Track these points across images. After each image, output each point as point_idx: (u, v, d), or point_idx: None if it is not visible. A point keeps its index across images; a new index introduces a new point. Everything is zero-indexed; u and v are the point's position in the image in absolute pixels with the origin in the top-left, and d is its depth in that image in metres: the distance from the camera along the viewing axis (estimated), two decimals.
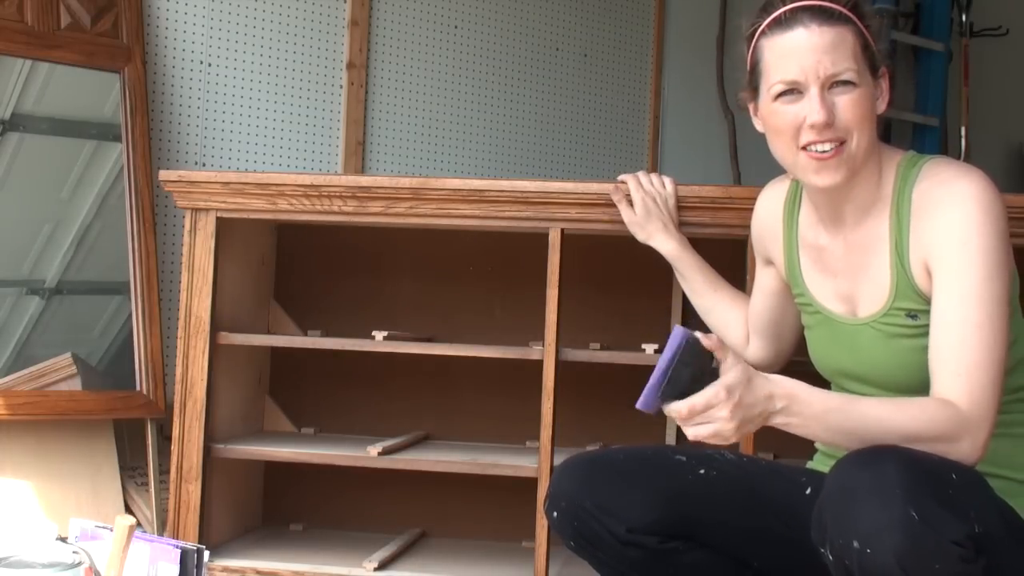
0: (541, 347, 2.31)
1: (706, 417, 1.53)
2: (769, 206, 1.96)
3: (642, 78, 4.25)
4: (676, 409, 1.53)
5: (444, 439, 2.67)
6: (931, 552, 1.44)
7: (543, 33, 4.00)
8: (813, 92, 1.67)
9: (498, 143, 3.88)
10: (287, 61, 3.46)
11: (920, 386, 1.67)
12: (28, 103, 2.88)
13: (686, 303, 2.34)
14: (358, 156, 3.56)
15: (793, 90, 1.69)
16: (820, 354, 1.87)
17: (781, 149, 1.74)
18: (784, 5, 1.70)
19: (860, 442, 1.57)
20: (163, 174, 2.40)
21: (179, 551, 1.87)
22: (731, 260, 2.25)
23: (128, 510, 2.82)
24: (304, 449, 2.44)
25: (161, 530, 2.73)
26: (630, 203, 2.21)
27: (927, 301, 1.69)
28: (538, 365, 2.30)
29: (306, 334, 2.63)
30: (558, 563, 2.38)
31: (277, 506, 2.70)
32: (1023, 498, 1.69)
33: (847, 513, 1.48)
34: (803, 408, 1.57)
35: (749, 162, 4.27)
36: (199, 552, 1.88)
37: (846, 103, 1.67)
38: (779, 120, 1.71)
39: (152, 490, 2.79)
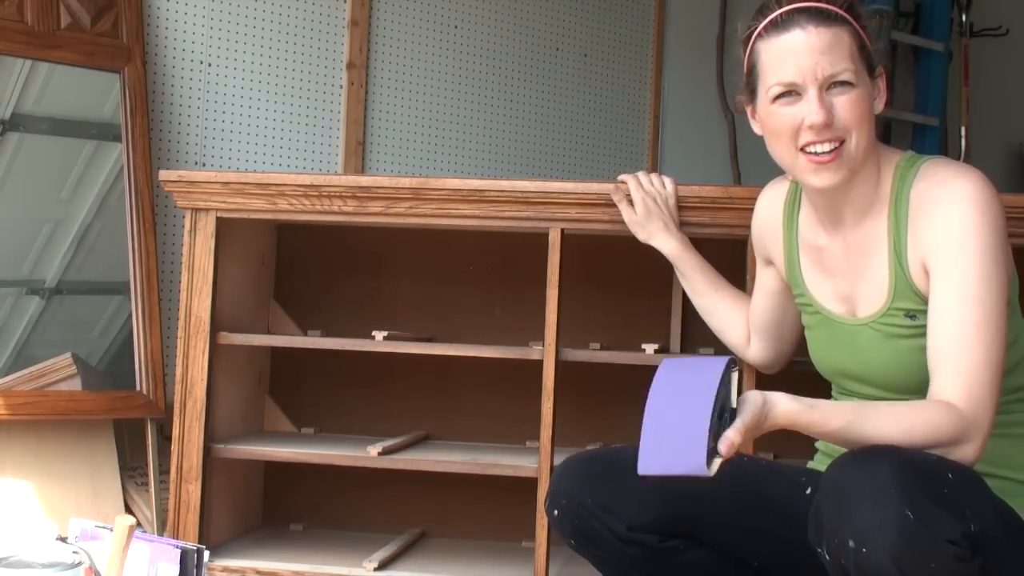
0: (541, 347, 2.31)
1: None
2: (769, 206, 1.96)
3: (642, 78, 4.25)
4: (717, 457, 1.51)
5: (444, 439, 2.67)
6: (927, 551, 1.44)
7: (543, 33, 4.00)
8: (811, 93, 1.67)
9: (498, 143, 3.88)
10: (287, 61, 3.46)
11: (919, 386, 1.67)
12: (28, 103, 2.88)
13: (686, 303, 2.35)
14: (358, 156, 3.56)
15: (791, 92, 1.69)
16: (820, 354, 1.87)
17: (780, 151, 1.75)
18: (780, 7, 1.70)
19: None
20: (163, 174, 2.40)
21: (179, 551, 1.87)
22: (731, 260, 2.25)
23: (128, 510, 2.82)
24: (304, 449, 2.44)
25: (161, 530, 2.73)
26: (630, 203, 2.21)
27: (925, 301, 1.69)
28: (538, 365, 2.30)
29: (306, 334, 2.63)
30: (558, 563, 2.38)
31: (277, 506, 2.70)
32: (1022, 498, 1.69)
33: (843, 512, 1.49)
34: (809, 430, 1.58)
35: (749, 162, 4.27)
36: (199, 552, 1.88)
37: (844, 103, 1.68)
38: (777, 122, 1.71)
39: (152, 490, 2.79)
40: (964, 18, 5.12)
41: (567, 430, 2.38)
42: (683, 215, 2.22)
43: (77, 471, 2.77)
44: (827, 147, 1.69)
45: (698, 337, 2.47)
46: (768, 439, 1.86)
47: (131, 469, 2.90)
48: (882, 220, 1.75)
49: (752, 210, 2.02)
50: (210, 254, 2.38)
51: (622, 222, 2.22)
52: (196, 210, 2.38)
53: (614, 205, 2.22)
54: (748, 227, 2.04)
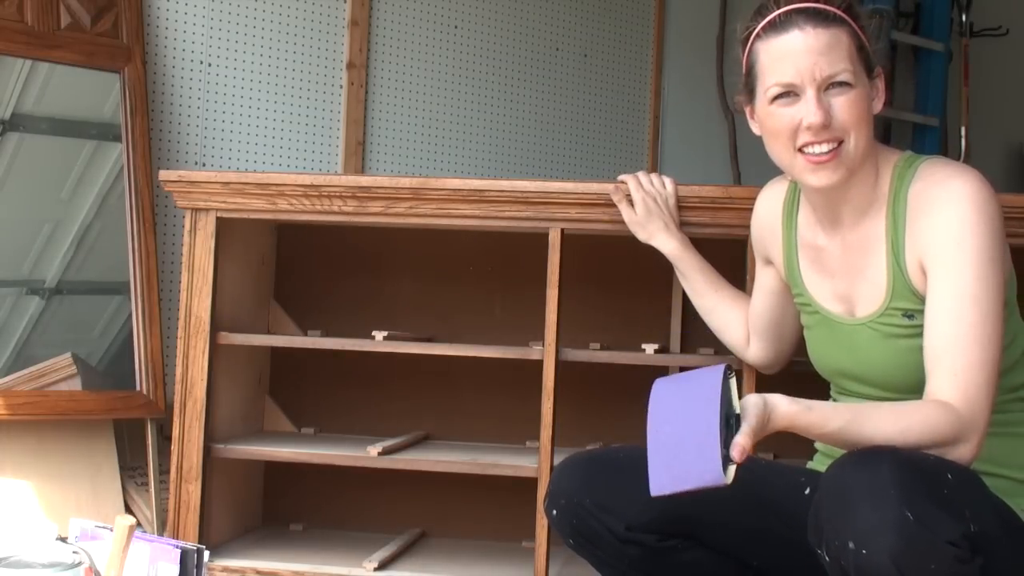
0: (541, 347, 2.31)
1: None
2: (768, 206, 1.96)
3: (642, 78, 4.25)
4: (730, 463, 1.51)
5: (444, 439, 2.67)
6: (926, 552, 1.44)
7: (543, 33, 4.00)
8: (809, 94, 1.67)
9: (498, 143, 3.88)
10: (287, 61, 3.46)
11: (918, 386, 1.67)
12: (28, 103, 2.88)
13: (686, 303, 2.35)
14: (358, 156, 3.56)
15: (789, 92, 1.69)
16: (819, 354, 1.87)
17: (778, 151, 1.75)
18: (778, 8, 1.70)
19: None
20: (163, 174, 2.40)
21: (179, 551, 1.87)
22: (731, 260, 2.25)
23: (128, 510, 2.82)
24: (304, 449, 2.44)
25: (161, 530, 2.73)
26: (630, 203, 2.21)
27: (923, 301, 1.69)
28: (538, 365, 2.30)
29: (306, 334, 2.63)
30: (558, 563, 2.38)
31: (277, 506, 2.70)
32: (1019, 497, 1.69)
33: (842, 514, 1.49)
34: (807, 432, 1.58)
35: (749, 162, 4.27)
36: (199, 552, 1.88)
37: (842, 104, 1.68)
38: (776, 122, 1.71)
39: (152, 490, 2.79)
40: (964, 18, 5.12)
41: (567, 430, 2.38)
42: (683, 215, 2.22)
43: (77, 471, 2.77)
44: (825, 147, 1.69)
45: (698, 337, 2.47)
46: (768, 439, 1.86)
47: (131, 469, 2.90)
48: (880, 220, 1.75)
49: (752, 210, 2.02)
50: (210, 254, 2.38)
51: (622, 222, 2.22)
52: (196, 210, 2.38)
53: (614, 205, 2.22)
54: (748, 227, 2.04)
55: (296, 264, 2.72)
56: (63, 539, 1.86)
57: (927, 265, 1.68)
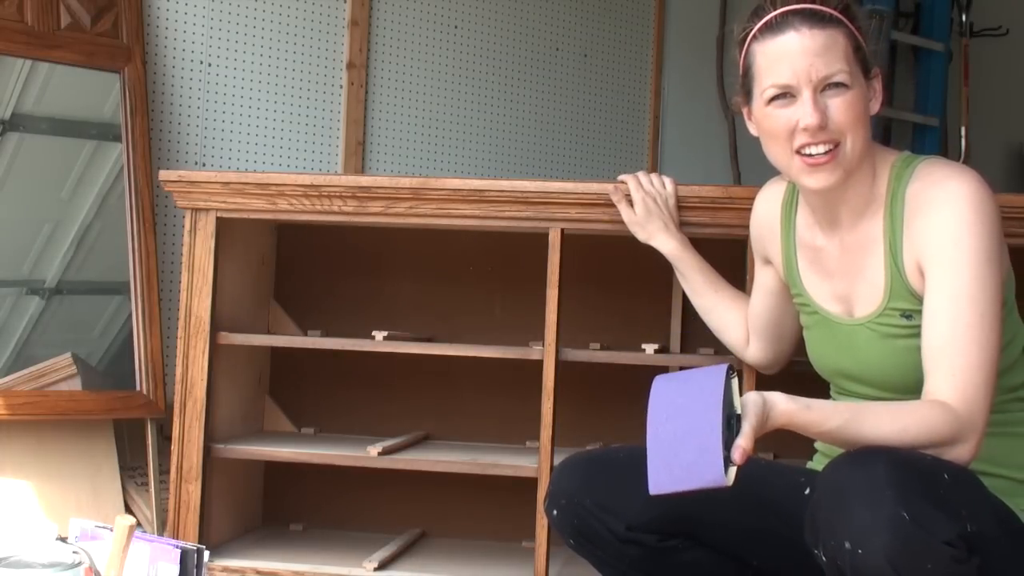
0: (541, 347, 2.31)
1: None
2: (767, 206, 1.96)
3: (642, 78, 4.25)
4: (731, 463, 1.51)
5: (444, 439, 2.67)
6: (922, 552, 1.44)
7: (543, 33, 4.00)
8: (806, 95, 1.67)
9: (498, 143, 3.88)
10: (287, 61, 3.46)
11: (916, 386, 1.67)
12: (28, 103, 2.88)
13: (686, 303, 2.35)
14: (358, 156, 3.56)
15: (786, 94, 1.69)
16: (818, 354, 1.87)
17: (776, 152, 1.75)
18: (775, 9, 1.70)
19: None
20: (163, 174, 2.40)
21: (179, 551, 1.87)
22: (731, 260, 2.25)
23: (128, 510, 2.82)
24: (304, 449, 2.44)
25: (161, 530, 2.73)
26: (630, 203, 2.21)
27: (921, 301, 1.69)
28: (538, 365, 2.30)
29: (306, 334, 2.63)
30: (558, 563, 2.38)
31: (277, 506, 2.70)
32: (1018, 496, 1.69)
33: (839, 514, 1.49)
34: (806, 430, 1.58)
35: (749, 162, 4.27)
36: (199, 552, 1.88)
37: (839, 105, 1.68)
38: (773, 124, 1.71)
39: (152, 490, 2.79)
40: (964, 18, 5.12)
41: (567, 430, 2.38)
42: (683, 215, 2.22)
43: (77, 471, 2.77)
44: (822, 148, 1.69)
45: (698, 337, 2.47)
46: (768, 439, 1.86)
47: (131, 469, 2.90)
48: (878, 221, 1.75)
49: (751, 210, 2.02)
50: (210, 254, 2.38)
51: (622, 222, 2.22)
52: (196, 210, 2.38)
53: (614, 205, 2.22)
54: (748, 227, 2.03)
55: (296, 264, 2.72)
56: (63, 539, 1.86)
57: (925, 265, 1.68)
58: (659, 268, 2.23)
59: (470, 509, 2.63)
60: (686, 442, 1.45)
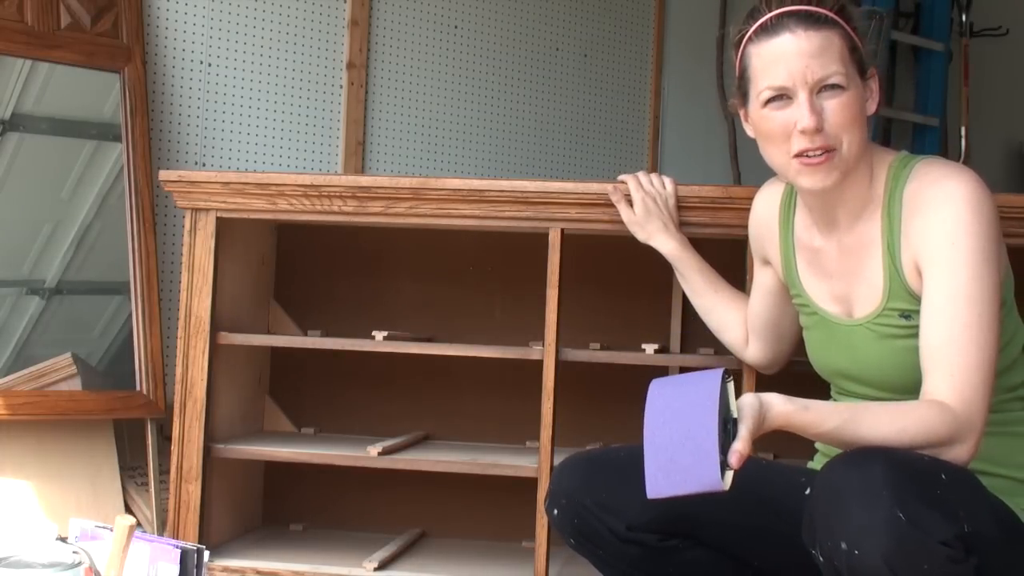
0: (541, 347, 2.31)
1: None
2: (766, 207, 1.96)
3: (642, 78, 4.25)
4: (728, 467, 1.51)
5: (444, 439, 2.67)
6: (919, 552, 1.44)
7: (543, 33, 4.00)
8: (802, 97, 1.67)
9: (498, 143, 3.88)
10: (287, 61, 3.46)
11: (915, 386, 1.67)
12: (28, 103, 2.88)
13: (686, 303, 2.35)
14: (358, 156, 3.56)
15: (782, 96, 1.69)
16: (817, 354, 1.87)
17: (773, 154, 1.75)
18: (770, 11, 1.70)
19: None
20: (163, 174, 2.40)
21: (179, 551, 1.87)
22: (731, 260, 2.25)
23: (128, 510, 2.82)
24: (304, 449, 2.44)
25: (161, 530, 2.73)
26: (629, 203, 2.21)
27: (920, 302, 1.69)
28: (538, 365, 2.30)
29: (306, 334, 2.63)
30: (558, 563, 2.38)
31: (277, 506, 2.70)
32: (1018, 496, 1.69)
33: (835, 514, 1.49)
34: (804, 431, 1.58)
35: (749, 162, 4.27)
36: (199, 552, 1.88)
37: (835, 107, 1.67)
38: (769, 126, 1.71)
39: (152, 490, 2.79)
40: (964, 18, 5.12)
41: (567, 430, 2.38)
42: (683, 215, 2.22)
43: (77, 471, 2.77)
44: (818, 152, 1.68)
45: (698, 337, 2.47)
46: (768, 439, 1.86)
47: (131, 469, 2.90)
48: (876, 221, 1.75)
49: (751, 210, 2.02)
50: (210, 254, 2.38)
51: (622, 222, 2.22)
52: (196, 210, 2.38)
53: (614, 205, 2.22)
54: (748, 227, 2.03)
55: (296, 264, 2.72)
56: (63, 539, 1.86)
57: (923, 266, 1.68)
58: (659, 268, 2.23)
59: (470, 509, 2.63)
60: (683, 446, 1.45)
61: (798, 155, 1.69)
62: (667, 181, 2.22)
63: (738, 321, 2.10)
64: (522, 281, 2.55)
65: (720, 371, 1.51)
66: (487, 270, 2.67)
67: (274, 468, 2.67)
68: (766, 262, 1.99)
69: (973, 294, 1.63)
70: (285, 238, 2.72)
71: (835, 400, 1.87)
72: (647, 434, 1.48)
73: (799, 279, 1.87)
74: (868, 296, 1.76)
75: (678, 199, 2.21)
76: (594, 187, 2.26)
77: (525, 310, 2.51)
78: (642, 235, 2.20)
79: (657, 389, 1.52)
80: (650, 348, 2.35)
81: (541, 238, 2.31)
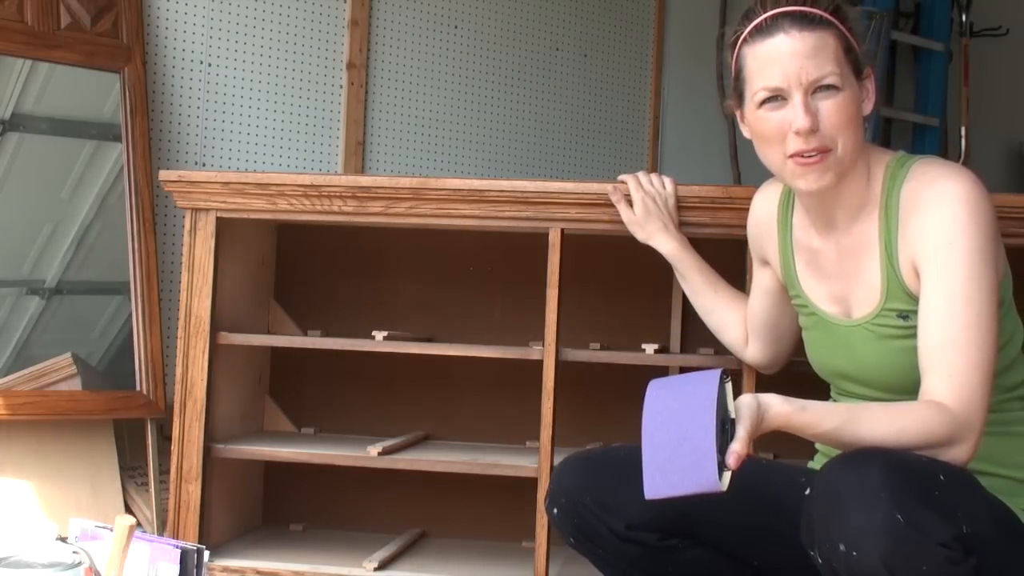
0: (541, 347, 2.31)
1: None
2: (764, 207, 1.96)
3: (642, 78, 4.25)
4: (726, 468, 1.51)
5: (444, 439, 2.67)
6: (917, 554, 1.45)
7: (543, 33, 4.00)
8: (796, 98, 1.67)
9: (498, 143, 3.88)
10: (287, 61, 3.46)
11: (914, 387, 1.67)
12: (28, 103, 2.88)
13: (686, 303, 2.35)
14: (358, 156, 3.56)
15: (777, 96, 1.69)
16: (816, 355, 1.87)
17: (768, 155, 1.75)
18: (765, 12, 1.70)
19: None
20: (163, 174, 2.40)
21: (179, 551, 1.87)
22: (731, 260, 2.25)
23: (128, 510, 2.82)
24: (304, 449, 2.44)
25: (161, 530, 2.73)
26: (629, 203, 2.21)
27: (917, 302, 1.69)
28: (538, 365, 2.30)
29: (306, 334, 2.63)
30: (558, 563, 2.38)
31: (277, 506, 2.70)
32: (1018, 496, 1.69)
33: (833, 516, 1.49)
34: (802, 432, 1.58)
35: (749, 162, 4.26)
36: (199, 552, 1.88)
37: (830, 108, 1.67)
38: (765, 127, 1.71)
39: (152, 490, 2.79)
40: (964, 18, 5.12)
41: (567, 430, 2.38)
42: (683, 215, 2.22)
43: (77, 471, 2.77)
44: (813, 153, 1.68)
45: (698, 337, 2.47)
46: (768, 439, 1.86)
47: (131, 469, 2.90)
48: (873, 222, 1.75)
49: (749, 211, 2.02)
50: (210, 254, 2.38)
51: (622, 222, 2.22)
52: (196, 210, 2.38)
53: (614, 205, 2.22)
54: (747, 227, 2.03)
55: (296, 264, 2.72)
56: (63, 539, 1.86)
57: (920, 266, 1.68)
58: (659, 268, 2.23)
59: (470, 509, 2.63)
60: (681, 447, 1.45)
61: (793, 156, 1.69)
62: (667, 181, 2.22)
63: (738, 321, 2.10)
64: (522, 281, 2.55)
65: (718, 372, 1.51)
66: (487, 270, 2.67)
67: (274, 468, 2.67)
68: (765, 262, 1.99)
69: (971, 294, 1.63)
70: (285, 238, 2.72)
71: (835, 400, 1.87)
72: (645, 434, 1.48)
73: (798, 280, 1.87)
74: (866, 297, 1.76)
75: (678, 199, 2.21)
76: (594, 187, 2.26)
77: (525, 310, 2.51)
78: (641, 235, 2.20)
79: (655, 390, 1.52)
80: (650, 348, 2.35)
81: (541, 238, 2.31)
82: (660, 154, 4.26)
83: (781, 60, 1.67)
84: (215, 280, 2.38)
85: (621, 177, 2.23)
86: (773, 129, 1.70)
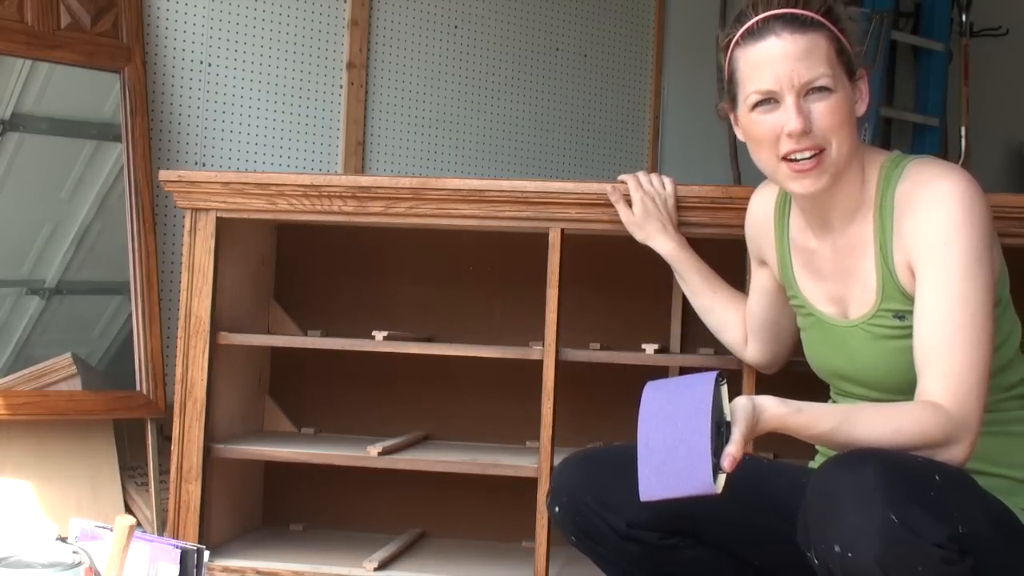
0: (541, 347, 2.31)
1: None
2: (761, 208, 1.96)
3: (642, 78, 4.25)
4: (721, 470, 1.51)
5: (444, 439, 2.67)
6: (912, 554, 1.45)
7: (543, 33, 4.00)
8: (789, 101, 1.67)
9: (498, 143, 3.88)
10: (287, 61, 3.46)
11: (911, 387, 1.66)
12: (28, 103, 2.88)
13: (686, 303, 2.34)
14: (358, 156, 3.56)
15: (769, 99, 1.69)
16: (814, 356, 1.87)
17: (762, 158, 1.75)
18: (756, 14, 1.70)
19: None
20: (163, 174, 2.40)
21: (179, 551, 1.87)
22: (730, 260, 2.25)
23: (128, 510, 2.82)
24: (304, 449, 2.44)
25: (161, 530, 2.73)
26: (628, 203, 2.21)
27: (913, 302, 1.69)
28: (538, 365, 2.30)
29: (306, 334, 2.63)
30: (558, 563, 2.38)
31: (277, 506, 2.70)
32: (1017, 496, 1.69)
33: (828, 517, 1.49)
34: (798, 433, 1.58)
35: (749, 162, 4.22)
36: (199, 552, 1.88)
37: (822, 110, 1.67)
38: (757, 130, 1.71)
39: (152, 490, 2.79)
40: (964, 18, 5.12)
41: (567, 430, 2.38)
42: (683, 215, 2.22)
43: (77, 471, 2.77)
44: (807, 154, 1.68)
45: (698, 337, 2.47)
46: (768, 440, 1.87)
47: (131, 469, 2.90)
48: (868, 222, 1.75)
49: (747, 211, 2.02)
50: (210, 254, 2.38)
51: (622, 222, 2.22)
52: (196, 210, 2.38)
53: (614, 205, 2.22)
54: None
55: (296, 264, 2.72)
56: (63, 539, 1.86)
57: (915, 266, 1.68)
58: (659, 268, 2.22)
59: (470, 509, 2.63)
60: (676, 449, 1.46)
61: (786, 158, 1.69)
62: (667, 181, 2.21)
63: (737, 321, 2.10)
64: (522, 281, 2.55)
65: (713, 374, 1.51)
66: (487, 270, 2.67)
67: (274, 468, 2.67)
68: (763, 263, 1.99)
69: (966, 294, 1.63)
70: (285, 238, 2.72)
71: (834, 401, 1.87)
72: (641, 437, 1.49)
73: (795, 280, 1.87)
74: (862, 297, 1.76)
75: (678, 199, 2.21)
76: (594, 187, 2.26)
77: (525, 310, 2.51)
78: (640, 235, 2.20)
79: (651, 392, 1.53)
80: (650, 348, 2.35)
81: (541, 238, 2.31)
82: (660, 154, 4.26)
83: (773, 63, 1.67)
84: (215, 280, 2.38)
85: (621, 177, 2.23)
86: (766, 132, 1.70)
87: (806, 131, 1.66)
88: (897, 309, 1.72)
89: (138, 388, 2.83)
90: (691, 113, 4.35)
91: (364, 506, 2.67)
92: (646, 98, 4.25)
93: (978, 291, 1.63)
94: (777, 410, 1.55)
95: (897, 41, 4.97)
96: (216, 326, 2.39)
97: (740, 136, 1.79)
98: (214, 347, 2.39)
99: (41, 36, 2.89)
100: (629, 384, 1.98)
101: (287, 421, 2.70)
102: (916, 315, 1.66)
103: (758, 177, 2.04)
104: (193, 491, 2.36)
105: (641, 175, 2.22)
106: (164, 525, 2.56)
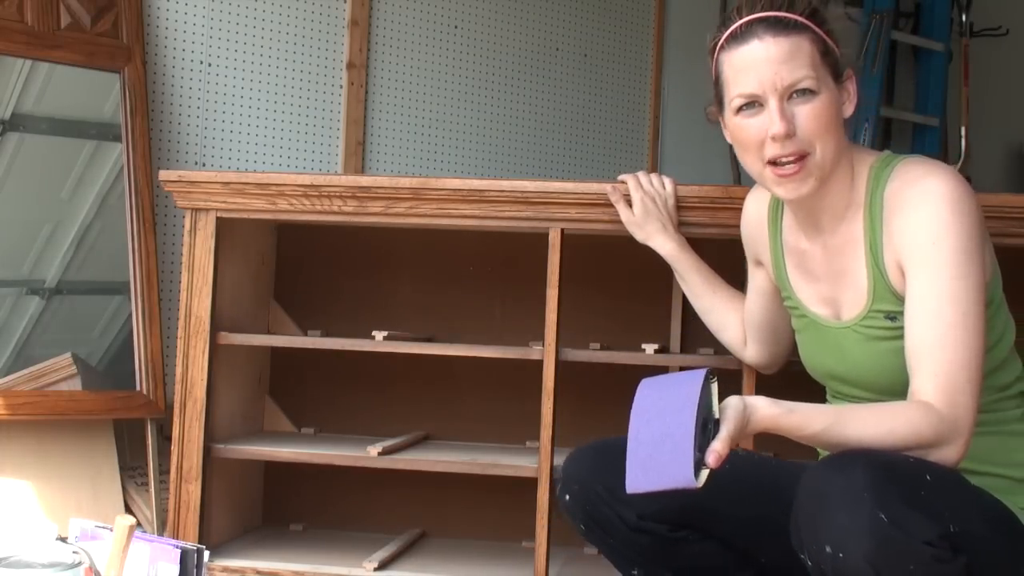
0: (541, 347, 2.31)
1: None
2: (756, 208, 1.96)
3: (642, 78, 4.25)
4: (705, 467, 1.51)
5: (444, 439, 2.67)
6: (902, 553, 1.45)
7: (543, 33, 4.00)
8: (772, 104, 1.67)
9: (498, 143, 3.88)
10: (287, 61, 3.46)
11: (905, 388, 1.66)
12: (28, 103, 2.88)
13: (686, 303, 2.35)
14: (358, 156, 3.56)
15: (753, 103, 1.69)
16: (808, 357, 1.87)
17: (748, 162, 1.75)
18: (740, 18, 1.70)
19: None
20: (163, 174, 2.40)
21: (179, 551, 1.87)
22: (731, 260, 2.24)
23: (128, 510, 2.82)
24: (304, 449, 2.44)
25: (161, 530, 2.73)
26: (628, 203, 2.21)
27: (904, 303, 1.68)
28: (538, 365, 2.30)
29: (306, 334, 2.63)
30: (558, 563, 2.38)
31: (277, 506, 2.70)
32: (1015, 495, 1.69)
33: (819, 518, 1.49)
34: (790, 434, 1.58)
35: None
36: (199, 552, 1.88)
37: (806, 113, 1.67)
38: (743, 134, 1.71)
39: (152, 490, 2.79)
40: (964, 18, 5.12)
41: (567, 430, 2.38)
42: (683, 215, 2.22)
43: (77, 471, 2.77)
44: (790, 159, 1.68)
45: (698, 337, 2.47)
46: (769, 440, 1.86)
47: (131, 469, 2.90)
48: (858, 223, 1.74)
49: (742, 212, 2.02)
50: (210, 254, 2.38)
51: (622, 222, 2.22)
52: (196, 210, 2.38)
53: (614, 205, 2.22)
54: None
55: (296, 264, 2.72)
56: (63, 539, 1.86)
57: (905, 266, 1.67)
58: (659, 268, 2.22)
59: (470, 509, 2.63)
60: (662, 444, 1.48)
61: (771, 163, 1.69)
62: (667, 181, 2.21)
63: (737, 321, 2.10)
64: (522, 281, 2.55)
65: (703, 371, 1.52)
66: (487, 270, 2.67)
67: (274, 468, 2.67)
68: (759, 263, 1.99)
69: (956, 293, 1.62)
70: (285, 238, 2.72)
71: (830, 402, 1.87)
72: (631, 431, 1.52)
73: (789, 282, 1.87)
74: (854, 298, 1.76)
75: (678, 199, 2.21)
76: (594, 187, 2.26)
77: (525, 310, 2.51)
78: (640, 235, 2.20)
79: (644, 388, 1.55)
80: (650, 348, 2.35)
81: (541, 238, 2.31)
82: (660, 154, 4.26)
83: (756, 66, 1.67)
84: (215, 280, 2.38)
85: (621, 177, 2.23)
86: (751, 136, 1.70)
87: (789, 134, 1.66)
88: (888, 310, 1.71)
89: (138, 388, 2.83)
90: (691, 113, 4.34)
91: (364, 506, 2.67)
92: (646, 98, 4.25)
93: (968, 290, 1.62)
94: (769, 410, 1.55)
95: (897, 41, 4.96)
96: (216, 326, 2.39)
97: (728, 139, 1.79)
98: (214, 347, 2.39)
99: (41, 36, 2.89)
100: (629, 384, 1.97)
101: (287, 421, 2.70)
102: (907, 315, 1.66)
103: None
104: (193, 491, 2.36)
105: (641, 175, 2.22)
106: (164, 525, 2.56)
